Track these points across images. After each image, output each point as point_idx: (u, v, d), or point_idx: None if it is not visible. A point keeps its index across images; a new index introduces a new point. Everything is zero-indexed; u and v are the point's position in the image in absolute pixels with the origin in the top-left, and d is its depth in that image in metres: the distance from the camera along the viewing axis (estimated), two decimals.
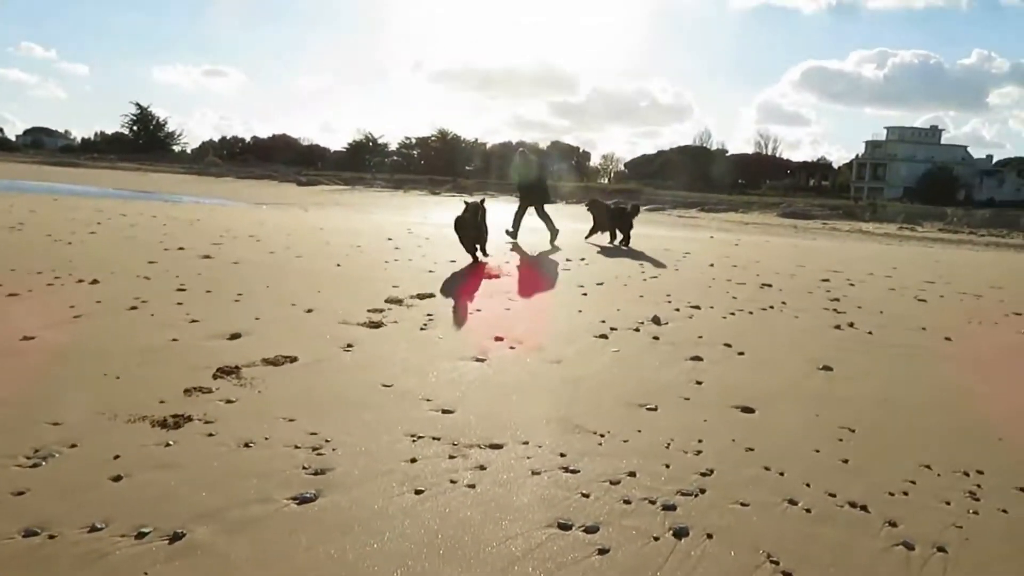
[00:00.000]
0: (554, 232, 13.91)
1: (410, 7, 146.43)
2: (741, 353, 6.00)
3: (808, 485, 3.53)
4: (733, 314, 7.63)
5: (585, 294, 8.34)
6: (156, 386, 4.29)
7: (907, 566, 2.91)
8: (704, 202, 43.54)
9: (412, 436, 3.83)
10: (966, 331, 7.54)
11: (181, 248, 10.15)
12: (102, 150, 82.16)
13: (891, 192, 73.09)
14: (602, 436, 3.99)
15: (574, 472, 3.52)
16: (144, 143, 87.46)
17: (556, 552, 2.85)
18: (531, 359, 5.46)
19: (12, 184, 31.43)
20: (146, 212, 16.44)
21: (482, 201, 10.60)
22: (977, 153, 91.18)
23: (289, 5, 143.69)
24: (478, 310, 7.11)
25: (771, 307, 8.12)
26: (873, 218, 38.13)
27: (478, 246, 10.41)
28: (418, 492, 3.23)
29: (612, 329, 6.55)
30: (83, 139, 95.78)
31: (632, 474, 3.53)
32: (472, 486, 3.32)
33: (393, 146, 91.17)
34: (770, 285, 9.71)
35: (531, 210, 14.21)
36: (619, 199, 20.43)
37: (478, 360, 5.33)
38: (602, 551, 2.87)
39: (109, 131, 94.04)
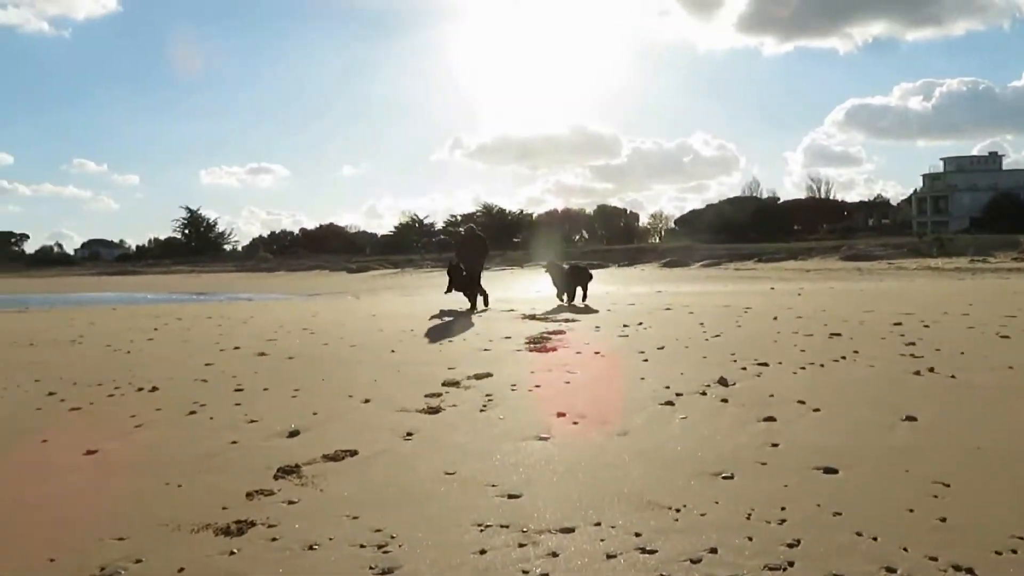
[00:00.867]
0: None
1: (443, 89, 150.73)
2: (816, 409, 5.72)
3: (906, 549, 3.26)
4: (803, 368, 7.35)
5: (646, 360, 8.15)
6: (218, 492, 4.24)
7: None
8: (760, 252, 42.82)
9: (479, 525, 3.68)
10: None
11: (236, 347, 10.28)
12: (156, 255, 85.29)
13: (956, 224, 71.12)
14: (678, 511, 3.78)
15: (651, 552, 3.32)
16: (196, 245, 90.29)
17: None
18: (596, 434, 5.29)
19: (72, 298, 32.89)
20: (201, 314, 16.84)
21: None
22: None
23: (327, 102, 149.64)
24: (537, 386, 6.97)
25: (843, 357, 7.81)
26: (941, 253, 37.04)
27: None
28: None
29: (677, 395, 6.34)
30: (137, 246, 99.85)
31: (713, 550, 3.31)
32: (545, 575, 3.14)
33: (439, 224, 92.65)
34: (839, 334, 9.38)
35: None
36: (576, 261, 22.24)
37: (541, 439, 5.18)
38: None
39: (162, 236, 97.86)
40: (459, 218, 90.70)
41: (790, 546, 3.34)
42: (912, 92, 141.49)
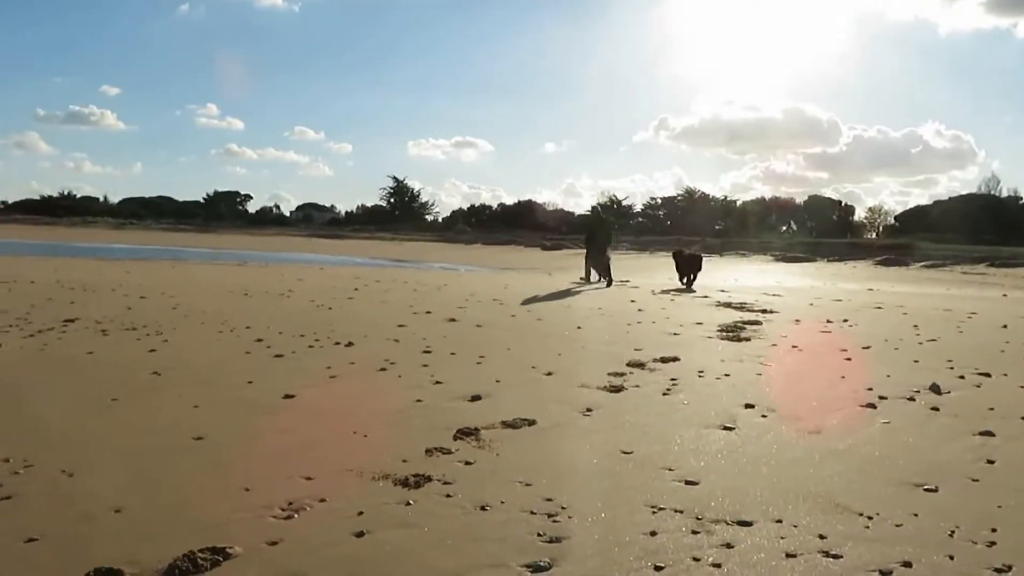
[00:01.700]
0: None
1: (654, 68, 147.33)
2: None
3: None
4: None
5: (849, 359, 7.59)
6: (400, 445, 4.42)
7: None
8: (994, 256, 38.41)
9: (652, 507, 3.57)
10: None
11: (428, 312, 10.74)
12: (363, 221, 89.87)
13: None
14: (869, 518, 3.47)
15: (836, 557, 3.06)
16: (399, 214, 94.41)
17: None
18: (786, 428, 4.98)
19: (286, 256, 36.18)
20: (399, 279, 17.75)
21: None
22: None
23: (535, 79, 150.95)
24: (726, 374, 6.69)
25: None
26: None
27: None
28: (658, 568, 2.96)
29: (881, 397, 5.85)
30: (347, 212, 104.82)
31: (907, 564, 3.00)
32: (718, 565, 2.99)
33: (638, 207, 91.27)
34: None
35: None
36: (693, 250, 23.92)
37: (726, 428, 4.96)
38: None
39: (369, 204, 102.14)
40: (659, 200, 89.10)
41: (998, 571, 2.97)
42: None
